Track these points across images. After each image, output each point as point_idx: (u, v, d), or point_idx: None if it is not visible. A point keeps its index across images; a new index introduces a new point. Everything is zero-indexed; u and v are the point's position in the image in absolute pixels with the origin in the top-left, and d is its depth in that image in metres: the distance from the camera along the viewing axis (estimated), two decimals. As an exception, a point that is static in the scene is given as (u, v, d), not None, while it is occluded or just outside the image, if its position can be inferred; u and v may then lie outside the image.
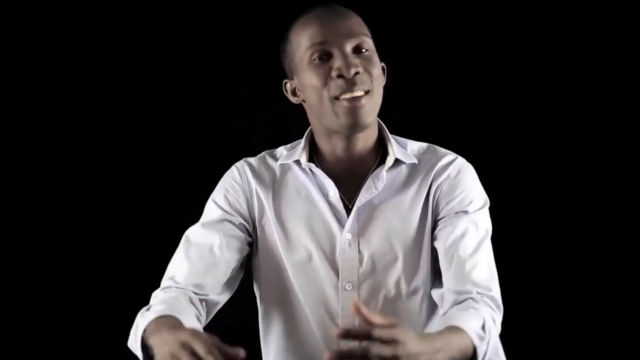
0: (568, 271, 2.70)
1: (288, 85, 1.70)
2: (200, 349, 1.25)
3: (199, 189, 1.92)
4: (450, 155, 1.73)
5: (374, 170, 1.69)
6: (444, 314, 1.59)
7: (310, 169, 1.70)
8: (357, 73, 1.59)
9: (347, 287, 1.66)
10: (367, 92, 1.60)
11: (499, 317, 1.56)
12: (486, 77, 2.70)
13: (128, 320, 1.54)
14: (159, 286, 1.66)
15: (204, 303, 1.63)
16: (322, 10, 1.64)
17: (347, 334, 1.23)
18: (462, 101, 2.70)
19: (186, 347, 1.26)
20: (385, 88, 1.68)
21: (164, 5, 2.72)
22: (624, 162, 2.69)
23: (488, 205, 1.71)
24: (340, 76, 1.59)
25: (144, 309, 1.52)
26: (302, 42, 1.63)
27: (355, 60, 1.60)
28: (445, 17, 2.71)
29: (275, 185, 1.73)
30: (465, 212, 1.66)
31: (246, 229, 1.71)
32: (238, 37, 2.72)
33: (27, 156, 2.70)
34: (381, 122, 1.72)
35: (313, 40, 1.61)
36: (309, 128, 1.73)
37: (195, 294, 1.62)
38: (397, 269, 1.66)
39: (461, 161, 1.72)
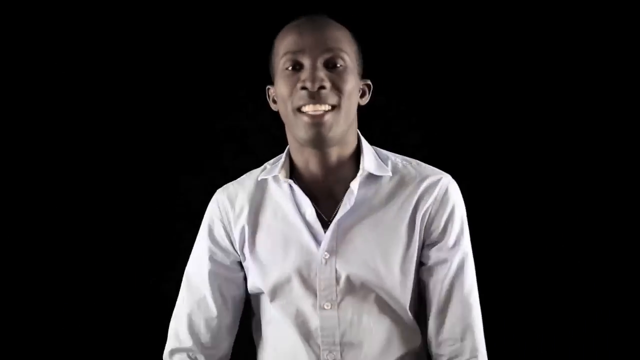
0: (563, 271, 2.70)
1: (270, 91, 1.69)
2: None
3: (199, 189, 1.91)
4: (436, 175, 1.69)
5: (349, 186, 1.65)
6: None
7: (291, 185, 1.68)
8: (322, 87, 1.57)
9: (325, 307, 1.64)
10: (333, 108, 1.58)
11: None
12: (480, 78, 2.69)
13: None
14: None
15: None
16: (304, 20, 1.64)
17: None
18: (459, 102, 2.70)
19: None
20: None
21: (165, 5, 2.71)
22: (615, 163, 2.68)
23: (466, 220, 1.71)
24: (304, 88, 1.58)
25: None
26: (279, 50, 1.63)
27: (322, 73, 1.58)
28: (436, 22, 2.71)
29: (252, 208, 1.71)
30: (455, 244, 1.66)
31: (238, 262, 1.73)
32: (240, 36, 2.72)
33: (25, 157, 2.70)
34: (360, 135, 1.70)
35: (288, 49, 1.61)
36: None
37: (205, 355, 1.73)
38: (377, 288, 1.64)
39: (447, 180, 1.69)
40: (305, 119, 1.58)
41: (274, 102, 1.68)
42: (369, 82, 1.68)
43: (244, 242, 1.71)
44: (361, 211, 1.65)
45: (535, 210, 2.69)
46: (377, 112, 2.19)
